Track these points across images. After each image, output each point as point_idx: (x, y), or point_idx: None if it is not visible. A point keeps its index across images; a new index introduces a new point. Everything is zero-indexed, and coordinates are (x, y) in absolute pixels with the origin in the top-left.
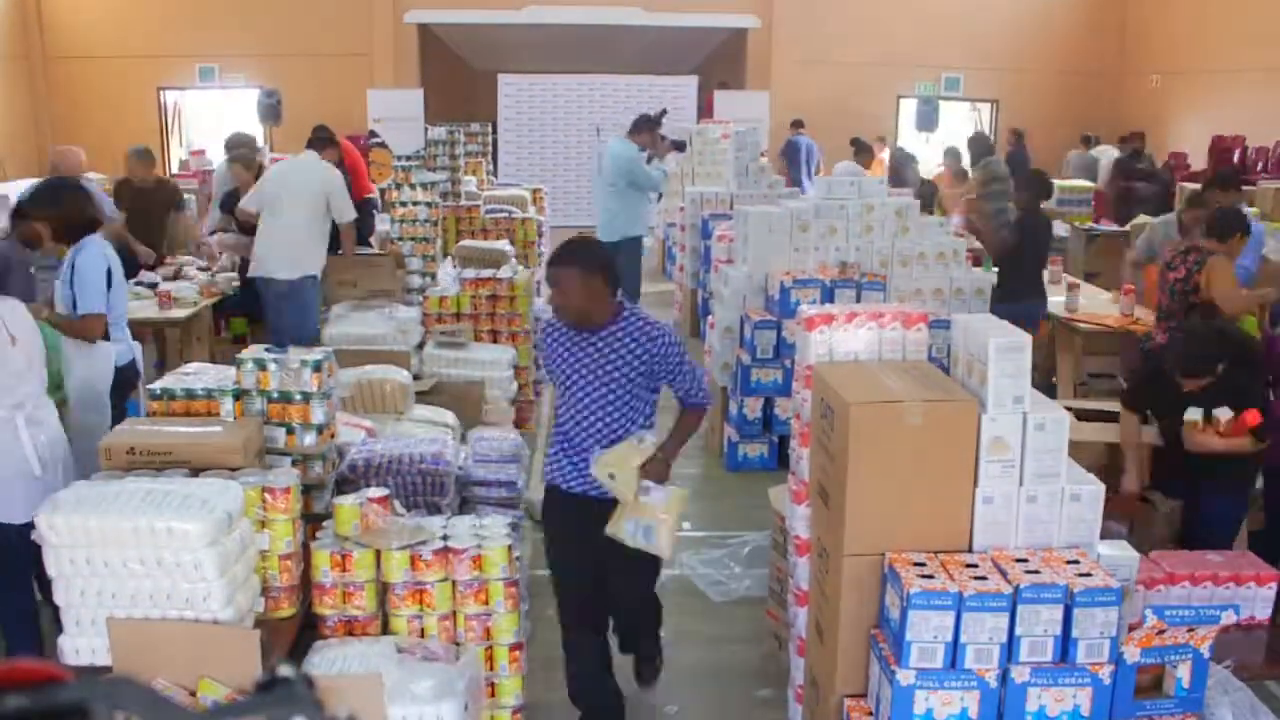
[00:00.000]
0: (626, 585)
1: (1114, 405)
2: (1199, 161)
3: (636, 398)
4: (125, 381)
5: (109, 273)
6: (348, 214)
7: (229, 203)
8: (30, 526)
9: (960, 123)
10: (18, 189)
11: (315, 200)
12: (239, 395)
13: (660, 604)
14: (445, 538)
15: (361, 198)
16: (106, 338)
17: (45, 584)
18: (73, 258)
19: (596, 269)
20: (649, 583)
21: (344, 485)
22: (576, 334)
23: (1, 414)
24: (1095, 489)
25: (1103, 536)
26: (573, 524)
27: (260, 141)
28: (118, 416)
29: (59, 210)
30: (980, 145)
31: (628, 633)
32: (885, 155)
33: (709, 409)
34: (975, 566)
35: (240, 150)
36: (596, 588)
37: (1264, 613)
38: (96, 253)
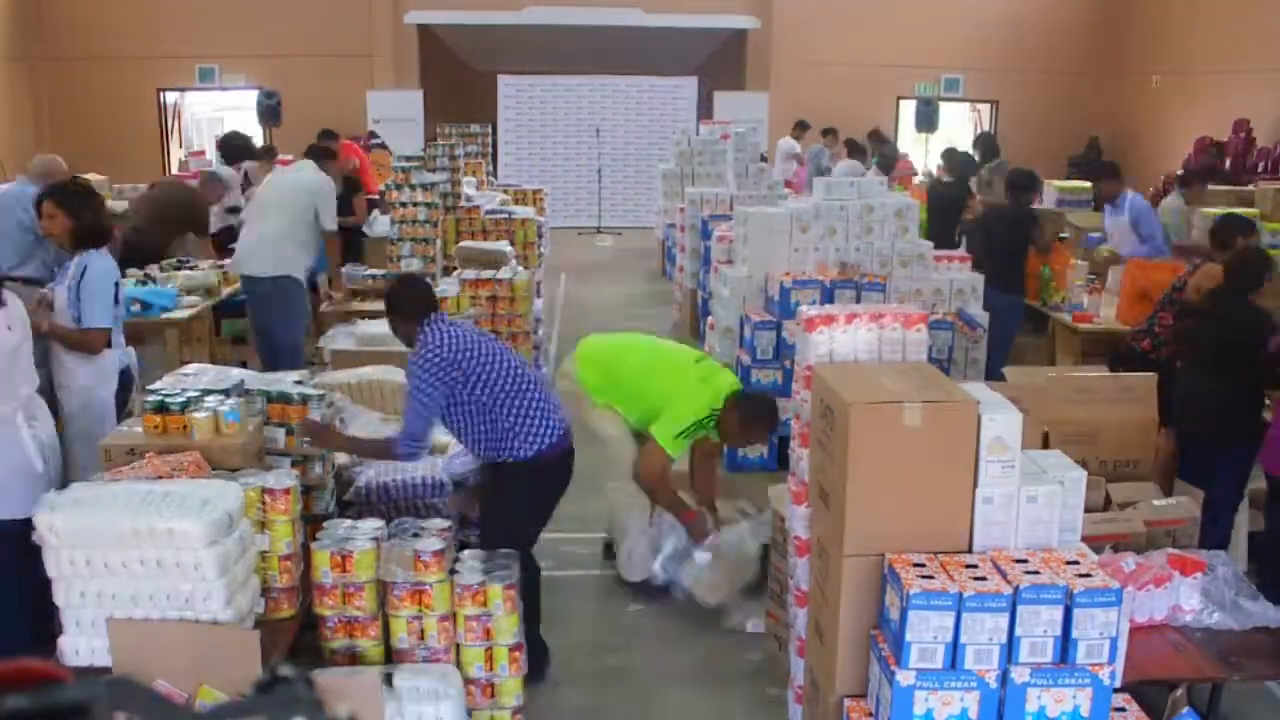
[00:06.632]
0: None
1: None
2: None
3: (453, 410)
4: (122, 387)
5: (116, 285)
6: (330, 224)
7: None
8: (29, 523)
9: (960, 124)
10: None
11: (301, 205)
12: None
13: None
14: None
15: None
16: (109, 346)
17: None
18: (83, 266)
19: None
20: None
21: (347, 509)
22: None
23: (4, 411)
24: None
25: None
26: None
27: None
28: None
29: (87, 214)
30: (987, 145)
31: None
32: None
33: (396, 453)
34: (975, 567)
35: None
36: None
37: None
38: (108, 266)
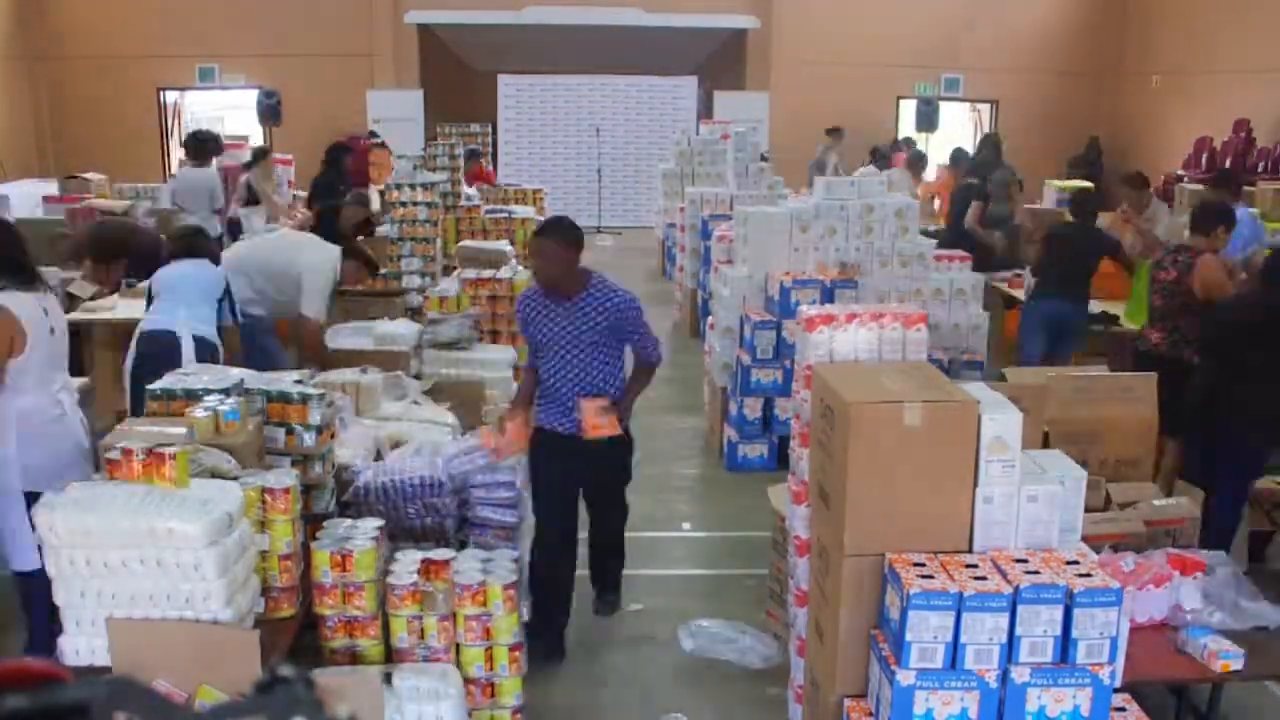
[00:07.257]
0: (603, 521)
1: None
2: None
3: (605, 353)
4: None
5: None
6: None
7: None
8: None
9: (960, 124)
10: (17, 189)
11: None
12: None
13: (624, 550)
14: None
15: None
16: None
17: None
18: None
19: (571, 243)
20: (620, 523)
21: (346, 509)
22: (554, 302)
23: (49, 397)
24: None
25: None
26: (559, 459)
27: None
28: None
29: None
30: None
31: (597, 565)
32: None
33: (657, 365)
34: (975, 567)
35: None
36: (571, 510)
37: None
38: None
